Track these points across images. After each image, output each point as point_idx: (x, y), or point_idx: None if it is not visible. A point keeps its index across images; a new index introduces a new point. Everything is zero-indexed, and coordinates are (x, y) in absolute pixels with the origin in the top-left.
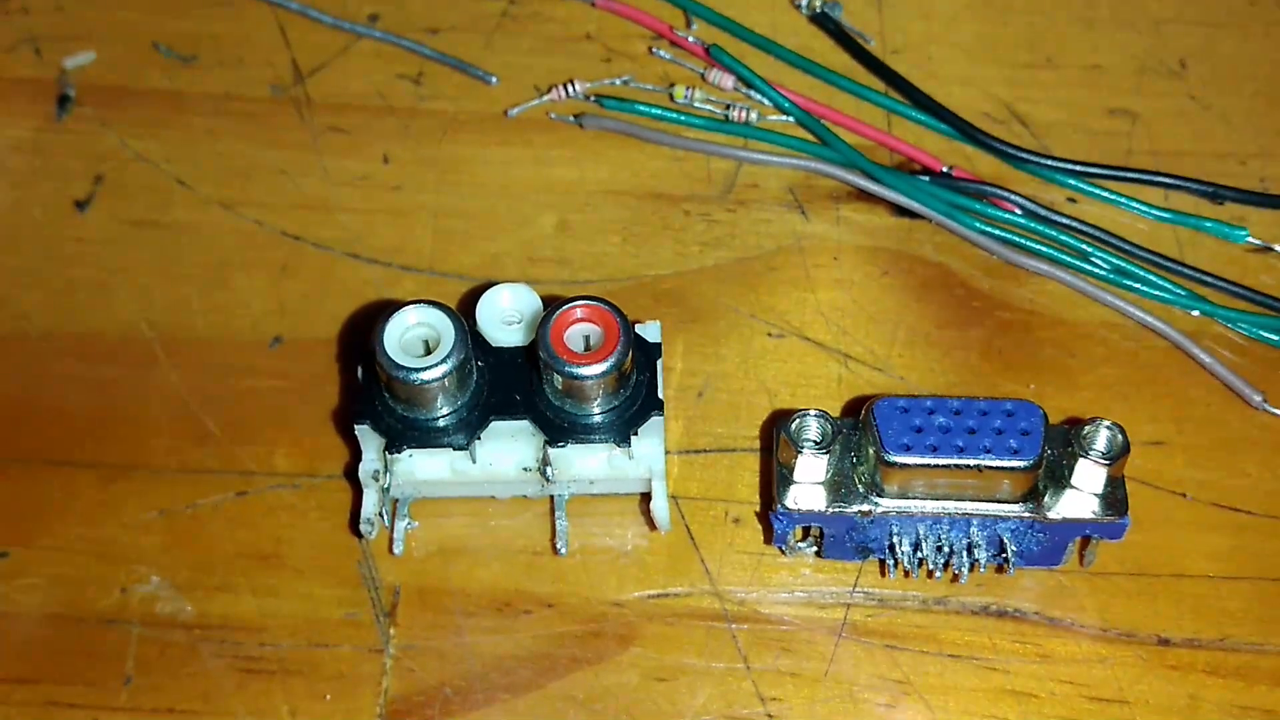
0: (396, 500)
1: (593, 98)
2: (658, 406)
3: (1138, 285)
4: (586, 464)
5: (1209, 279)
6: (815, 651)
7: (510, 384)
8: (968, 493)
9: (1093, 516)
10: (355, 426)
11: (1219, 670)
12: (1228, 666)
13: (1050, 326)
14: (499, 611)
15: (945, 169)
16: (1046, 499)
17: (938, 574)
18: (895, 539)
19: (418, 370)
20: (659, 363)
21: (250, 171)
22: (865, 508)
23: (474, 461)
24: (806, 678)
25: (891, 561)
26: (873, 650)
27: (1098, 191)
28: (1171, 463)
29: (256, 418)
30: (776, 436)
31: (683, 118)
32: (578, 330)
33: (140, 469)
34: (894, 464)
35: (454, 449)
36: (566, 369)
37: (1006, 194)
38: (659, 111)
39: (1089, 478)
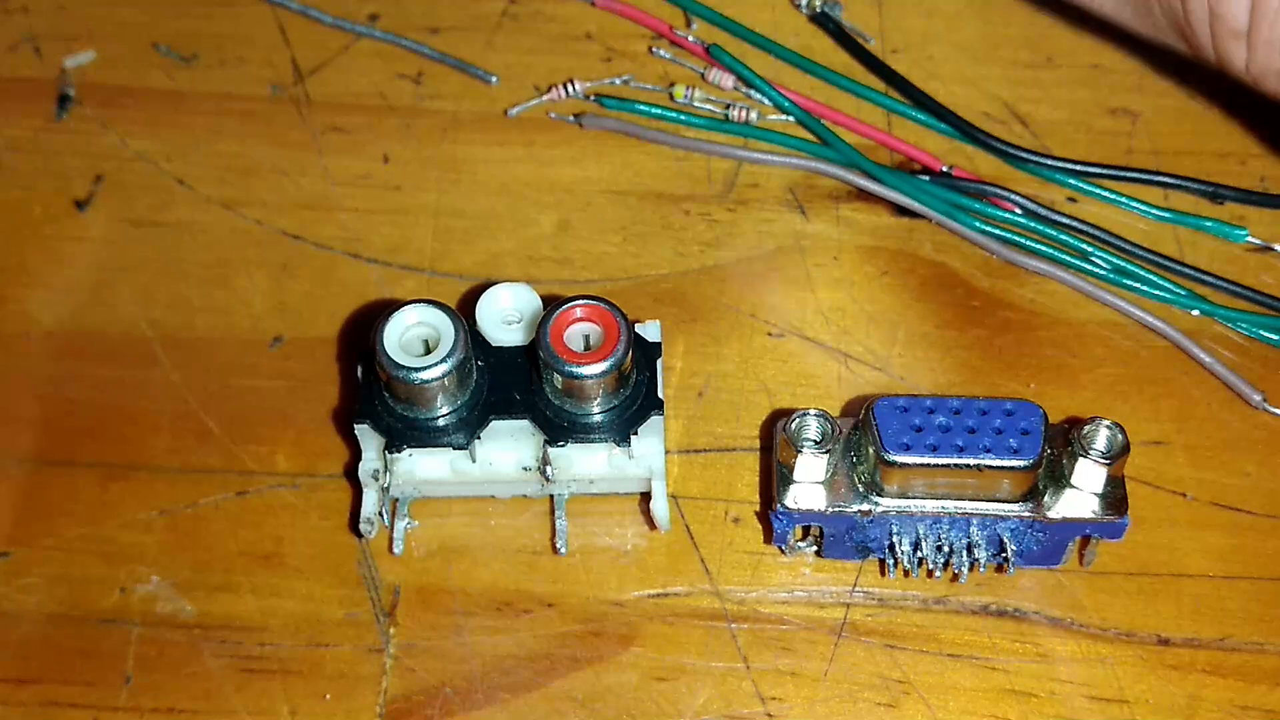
0: (396, 500)
1: (593, 97)
2: (658, 406)
3: (1138, 285)
4: (586, 463)
5: (1209, 279)
6: (815, 651)
7: (510, 384)
8: (968, 492)
9: (1093, 516)
10: (355, 426)
11: (1219, 670)
12: (1228, 666)
13: (1050, 326)
14: (499, 611)
15: (945, 169)
16: (1046, 499)
17: (938, 574)
18: (895, 538)
19: (418, 370)
20: (659, 362)
21: (250, 171)
22: (865, 507)
23: (474, 461)
24: (806, 678)
25: (891, 561)
26: (873, 650)
27: (1098, 191)
28: (1171, 463)
29: (256, 417)
30: (776, 436)
31: (683, 117)
32: (578, 330)
33: (140, 469)
34: (894, 463)
35: (454, 448)
36: (566, 369)
37: (1006, 194)
38: (659, 111)
39: (1089, 477)
